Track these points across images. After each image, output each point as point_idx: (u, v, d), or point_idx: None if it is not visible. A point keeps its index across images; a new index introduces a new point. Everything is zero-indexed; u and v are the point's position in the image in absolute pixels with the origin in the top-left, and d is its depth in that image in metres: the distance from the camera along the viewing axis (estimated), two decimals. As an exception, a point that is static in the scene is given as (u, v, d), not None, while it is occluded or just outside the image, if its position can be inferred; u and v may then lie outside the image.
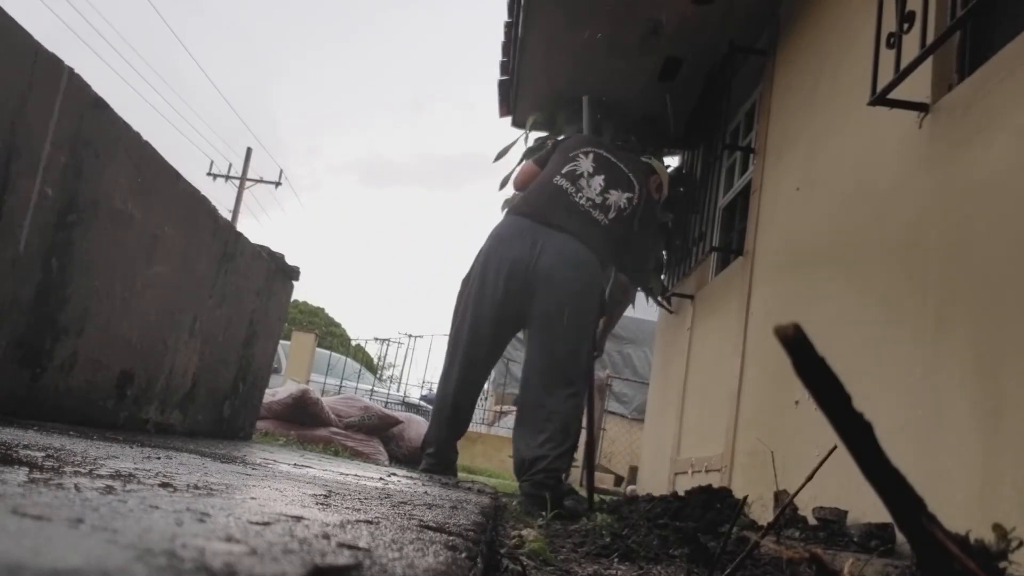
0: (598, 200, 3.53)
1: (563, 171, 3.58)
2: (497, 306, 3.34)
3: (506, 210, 3.69)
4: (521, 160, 4.93)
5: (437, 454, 3.41)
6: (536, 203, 3.50)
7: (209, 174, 24.29)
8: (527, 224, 3.41)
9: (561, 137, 4.08)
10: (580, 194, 3.51)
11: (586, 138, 4.02)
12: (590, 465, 3.92)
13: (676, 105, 5.29)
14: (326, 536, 0.64)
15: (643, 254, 3.88)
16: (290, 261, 3.55)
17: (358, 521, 0.81)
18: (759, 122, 4.13)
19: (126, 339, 2.26)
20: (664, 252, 5.35)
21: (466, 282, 3.51)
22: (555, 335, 3.29)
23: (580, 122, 5.29)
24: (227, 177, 24.35)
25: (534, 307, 3.30)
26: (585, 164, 3.62)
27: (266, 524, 0.65)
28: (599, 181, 3.57)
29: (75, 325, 2.00)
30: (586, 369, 3.46)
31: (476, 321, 3.37)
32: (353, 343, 20.29)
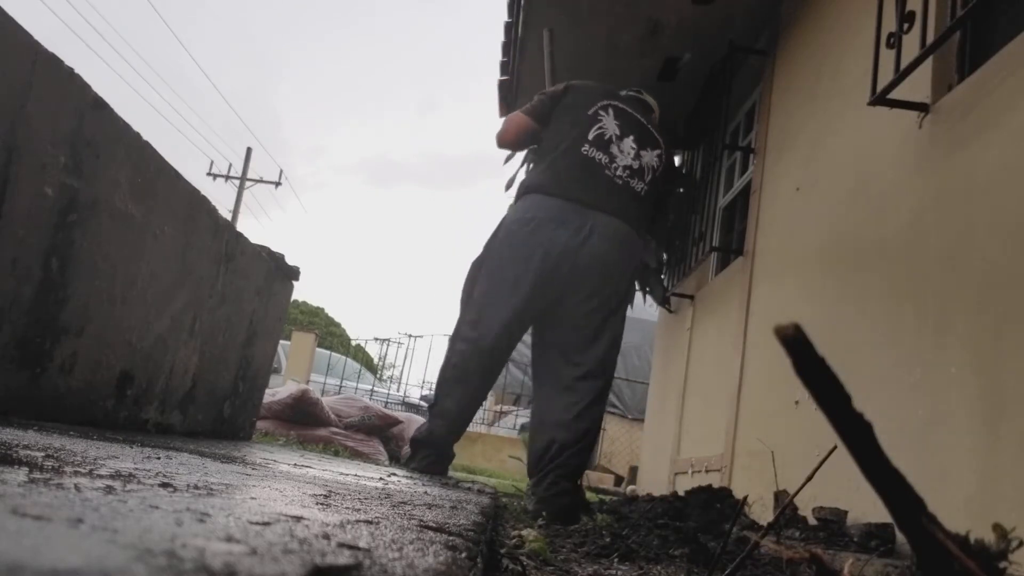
0: (635, 166, 3.17)
1: (590, 137, 3.16)
2: (529, 298, 3.00)
3: (523, 190, 3.21)
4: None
5: (437, 453, 3.11)
6: (571, 181, 3.08)
7: (209, 174, 24.31)
8: (568, 206, 3.03)
9: (560, 86, 3.43)
10: (614, 164, 3.13)
11: (596, 88, 3.43)
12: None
13: (676, 105, 5.29)
14: (326, 536, 0.64)
15: (669, 215, 3.51)
16: (290, 261, 3.55)
17: (358, 521, 0.81)
18: (759, 122, 4.13)
19: (126, 339, 2.26)
20: (664, 252, 5.35)
21: (477, 266, 3.17)
22: (599, 324, 3.02)
23: None
24: (227, 177, 24.36)
25: (576, 294, 2.99)
26: (610, 124, 3.20)
27: (266, 524, 0.65)
28: (630, 143, 3.19)
29: (75, 325, 2.00)
30: (614, 360, 3.16)
31: (506, 313, 3.01)
32: (353, 343, 20.31)
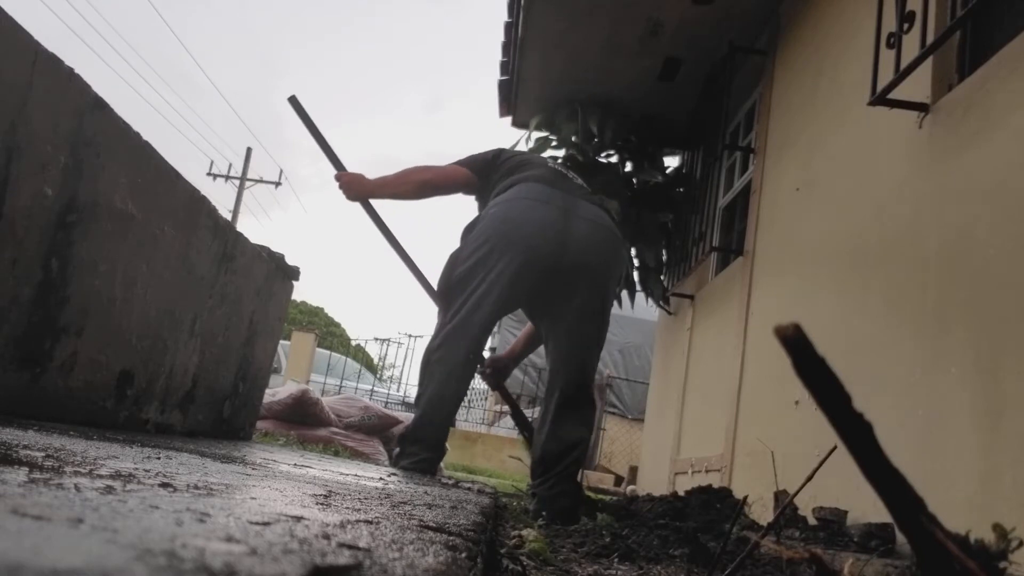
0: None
1: (548, 163, 3.17)
2: (510, 282, 2.83)
3: (503, 186, 3.03)
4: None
5: (431, 449, 2.91)
6: (543, 179, 2.97)
7: (209, 174, 24.34)
8: (547, 189, 2.90)
9: (494, 149, 3.31)
10: (578, 181, 3.11)
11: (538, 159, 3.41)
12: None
13: (676, 105, 5.29)
14: (326, 536, 0.64)
15: None
16: (290, 261, 3.55)
17: (358, 521, 0.81)
18: (759, 122, 4.13)
19: (126, 339, 2.26)
20: (664, 252, 5.36)
21: (455, 258, 2.99)
22: (594, 319, 2.93)
23: (577, 122, 5.30)
24: (227, 177, 24.37)
25: (565, 281, 2.85)
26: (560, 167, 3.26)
27: (266, 524, 0.65)
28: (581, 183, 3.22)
29: (75, 325, 2.00)
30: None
31: (489, 295, 2.84)
32: (353, 343, 20.31)
